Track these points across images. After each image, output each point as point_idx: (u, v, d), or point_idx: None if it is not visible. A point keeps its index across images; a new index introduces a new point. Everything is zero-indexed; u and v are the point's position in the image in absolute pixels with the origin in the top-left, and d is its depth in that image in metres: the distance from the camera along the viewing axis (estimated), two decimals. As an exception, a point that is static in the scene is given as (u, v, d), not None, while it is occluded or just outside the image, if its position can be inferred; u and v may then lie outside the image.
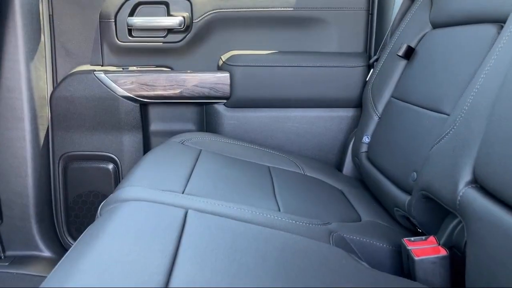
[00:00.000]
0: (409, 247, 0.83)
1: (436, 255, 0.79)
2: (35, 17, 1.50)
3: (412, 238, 0.86)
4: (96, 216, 0.84)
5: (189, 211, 0.80)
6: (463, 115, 0.82)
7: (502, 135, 0.68)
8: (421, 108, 1.09)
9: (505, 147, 0.66)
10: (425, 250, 0.81)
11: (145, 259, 0.61)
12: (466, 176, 0.75)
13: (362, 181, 1.39)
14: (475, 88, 0.82)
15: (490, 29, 0.93)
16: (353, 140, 1.47)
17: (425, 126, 1.03)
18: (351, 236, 0.91)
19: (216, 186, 1.02)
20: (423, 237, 0.86)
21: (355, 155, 1.41)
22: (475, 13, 1.02)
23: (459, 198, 0.74)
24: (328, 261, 0.75)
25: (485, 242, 0.67)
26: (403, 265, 0.87)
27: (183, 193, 0.92)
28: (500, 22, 0.91)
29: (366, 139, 1.35)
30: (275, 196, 1.06)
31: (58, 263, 0.62)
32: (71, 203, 1.62)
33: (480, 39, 0.94)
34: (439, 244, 0.83)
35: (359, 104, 1.54)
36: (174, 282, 0.57)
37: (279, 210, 0.97)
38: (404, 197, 1.01)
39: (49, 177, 1.61)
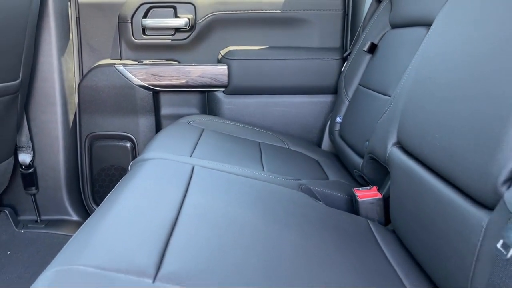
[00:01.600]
0: (356, 193, 1.12)
1: (373, 198, 1.09)
2: (65, 20, 1.79)
3: (360, 188, 1.16)
4: (127, 170, 1.13)
5: (195, 166, 1.10)
6: (395, 96, 1.12)
7: (412, 110, 0.97)
8: (375, 92, 1.38)
9: (414, 119, 0.96)
10: (366, 194, 1.11)
11: (163, 195, 0.91)
12: (392, 139, 1.04)
13: (336, 155, 1.68)
14: (404, 76, 1.11)
15: (422, 31, 1.21)
16: (329, 121, 1.76)
17: (377, 106, 1.32)
18: (317, 188, 1.20)
19: (216, 153, 1.32)
20: (369, 187, 1.16)
21: (331, 133, 1.70)
22: (415, 18, 1.31)
23: (387, 155, 1.04)
24: (294, 200, 1.05)
25: (401, 184, 0.97)
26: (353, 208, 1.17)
27: (190, 156, 1.22)
28: (428, 25, 1.19)
29: (338, 120, 1.64)
30: (261, 162, 1.36)
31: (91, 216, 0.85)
32: (95, 175, 1.92)
33: (415, 39, 1.22)
34: (378, 191, 1.13)
35: (335, 91, 1.83)
36: (184, 212, 0.85)
37: (263, 170, 1.27)
38: (360, 161, 1.31)
39: (77, 153, 1.90)
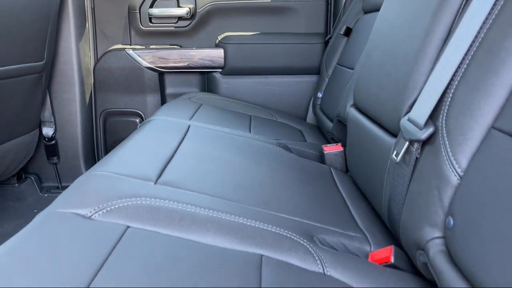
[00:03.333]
0: (323, 148, 1.37)
1: (336, 150, 1.33)
2: (81, 10, 2.04)
3: (328, 145, 1.40)
4: (138, 127, 1.39)
5: (191, 125, 1.35)
6: (356, 68, 1.35)
7: (362, 76, 1.21)
8: (347, 68, 1.61)
9: (362, 82, 1.19)
10: (331, 148, 1.35)
11: (163, 140, 1.15)
12: (350, 101, 1.28)
13: (318, 127, 1.92)
14: (364, 52, 1.35)
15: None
16: (312, 97, 2.00)
17: (346, 79, 1.56)
18: (293, 146, 1.44)
19: (210, 120, 1.56)
20: (335, 144, 1.40)
21: (314, 107, 1.94)
22: (380, 4, 1.53)
23: (346, 113, 1.28)
24: (271, 151, 1.29)
25: (352, 134, 1.20)
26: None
27: (189, 120, 1.47)
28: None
29: (319, 95, 1.88)
30: (250, 128, 1.60)
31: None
32: (109, 147, 2.17)
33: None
34: (342, 146, 1.36)
35: (319, 71, 2.06)
36: (179, 150, 1.10)
37: (250, 133, 1.51)
38: (331, 125, 1.55)
39: (93, 127, 2.16)
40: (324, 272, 0.71)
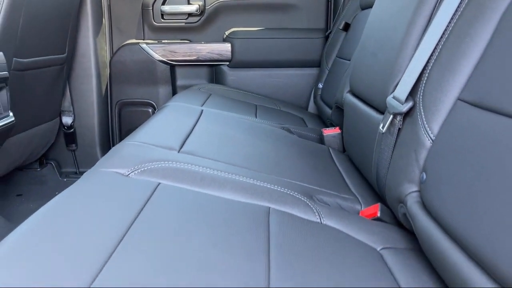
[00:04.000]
0: (323, 131, 1.51)
1: (334, 132, 1.48)
2: (99, 7, 2.20)
3: (327, 128, 1.54)
4: (155, 112, 1.54)
5: (203, 110, 1.50)
6: (353, 59, 1.50)
7: (357, 64, 1.35)
8: (345, 60, 1.76)
9: (357, 70, 1.34)
10: (330, 130, 1.50)
11: (180, 120, 1.30)
12: (347, 88, 1.43)
13: (319, 116, 2.06)
14: (359, 43, 1.49)
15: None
16: (314, 88, 2.15)
17: (344, 70, 1.70)
18: (295, 130, 1.59)
19: (220, 107, 1.71)
20: (333, 127, 1.54)
21: (315, 97, 2.09)
22: (365, 1, 1.68)
23: (343, 99, 1.43)
24: (275, 132, 1.44)
25: (349, 117, 1.35)
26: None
27: (201, 106, 1.62)
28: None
29: (320, 86, 2.03)
30: (256, 115, 1.75)
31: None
32: (123, 135, 2.33)
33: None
34: (340, 129, 1.51)
35: (319, 64, 2.21)
36: (195, 130, 1.25)
37: (256, 118, 1.66)
38: (330, 112, 1.69)
39: (108, 117, 2.31)
40: (320, 222, 0.86)
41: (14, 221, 1.71)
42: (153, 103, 2.29)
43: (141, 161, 0.90)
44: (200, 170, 0.92)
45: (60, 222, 0.67)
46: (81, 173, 2.26)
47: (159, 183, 0.85)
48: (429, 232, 0.74)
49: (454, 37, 0.85)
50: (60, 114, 2.15)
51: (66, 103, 2.18)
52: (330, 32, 2.14)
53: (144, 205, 0.76)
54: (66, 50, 1.98)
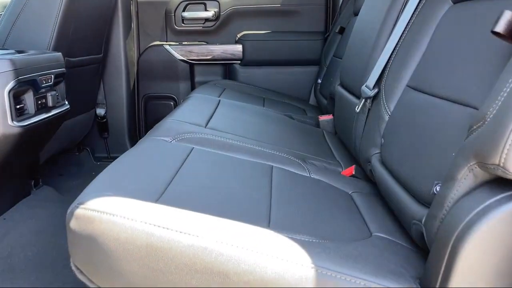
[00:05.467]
0: (319, 117, 1.83)
1: (328, 118, 1.80)
2: (128, 14, 2.54)
3: (323, 115, 1.86)
4: (180, 102, 1.87)
5: (221, 100, 1.83)
6: (343, 57, 1.82)
7: (345, 60, 1.67)
8: (339, 58, 2.08)
9: (345, 65, 1.65)
10: (325, 117, 1.82)
11: (202, 107, 1.63)
12: (338, 81, 1.75)
13: (318, 107, 2.38)
14: (348, 44, 1.81)
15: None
16: (314, 83, 2.47)
17: (338, 67, 2.01)
18: (296, 116, 1.91)
19: (234, 98, 2.04)
20: (328, 115, 1.86)
21: (315, 91, 2.41)
22: (357, 8, 1.99)
23: (335, 90, 1.75)
24: (279, 117, 1.76)
25: (338, 104, 1.67)
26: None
27: (218, 97, 1.95)
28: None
29: (319, 81, 2.35)
30: (263, 105, 2.08)
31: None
32: (149, 125, 2.66)
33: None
34: (332, 116, 1.83)
35: (319, 62, 2.52)
36: (214, 115, 1.58)
37: (263, 107, 1.99)
38: (325, 102, 2.02)
39: (135, 109, 2.65)
40: (309, 175, 1.18)
41: (62, 194, 2.05)
42: (174, 97, 2.62)
43: (179, 132, 1.24)
44: (221, 139, 1.25)
45: (132, 165, 1.00)
46: (112, 158, 2.58)
47: (193, 147, 1.18)
48: (384, 178, 1.06)
49: (407, 42, 1.17)
50: (95, 106, 2.50)
51: (100, 97, 2.51)
52: (328, 35, 2.46)
53: (185, 160, 1.09)
54: (102, 51, 2.32)
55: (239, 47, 2.56)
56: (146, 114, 2.66)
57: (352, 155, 1.42)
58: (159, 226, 0.68)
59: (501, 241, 0.63)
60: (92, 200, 0.73)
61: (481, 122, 0.67)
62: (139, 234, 0.68)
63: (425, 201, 0.82)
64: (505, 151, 0.61)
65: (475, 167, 0.67)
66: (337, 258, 0.70)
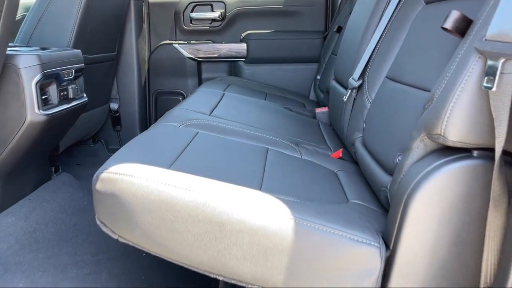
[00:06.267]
0: (315, 109, 1.99)
1: (324, 110, 1.95)
2: (140, 14, 2.71)
3: (319, 108, 2.02)
4: (189, 94, 2.04)
5: (225, 93, 1.99)
6: (338, 54, 1.97)
7: (338, 57, 1.82)
8: (335, 55, 2.23)
9: (338, 60, 1.81)
10: (321, 109, 1.97)
11: (207, 99, 1.79)
12: (332, 77, 1.90)
13: (317, 102, 2.54)
14: (341, 42, 1.96)
15: (357, 17, 2.05)
16: (314, 79, 2.62)
17: (334, 64, 2.17)
18: (294, 109, 2.07)
19: (238, 92, 2.20)
20: (324, 107, 2.02)
21: (314, 87, 2.56)
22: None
23: (330, 86, 1.90)
24: (277, 109, 1.92)
25: (332, 97, 1.82)
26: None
27: (223, 91, 2.11)
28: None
29: (318, 77, 2.50)
30: (265, 99, 2.23)
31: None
32: (159, 118, 2.83)
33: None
34: (328, 108, 1.98)
35: (319, 60, 2.68)
36: (218, 106, 1.74)
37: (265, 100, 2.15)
38: (322, 96, 2.17)
39: (146, 103, 2.83)
40: (301, 157, 1.34)
41: (81, 180, 2.23)
42: (183, 92, 2.80)
43: (186, 119, 1.40)
44: (224, 125, 1.41)
45: (146, 143, 1.16)
46: (124, 150, 2.78)
47: (198, 132, 1.34)
48: (363, 157, 1.21)
49: (387, 39, 1.32)
50: (109, 101, 2.67)
51: (114, 92, 2.69)
52: (327, 34, 2.61)
53: (191, 141, 1.25)
54: (116, 49, 2.50)
55: (243, 46, 2.72)
56: (156, 108, 2.83)
57: (342, 141, 1.58)
58: (168, 185, 0.84)
59: (442, 196, 0.78)
60: (115, 166, 0.90)
61: (430, 102, 0.83)
62: (153, 191, 0.84)
63: (391, 171, 0.98)
64: (445, 122, 0.76)
65: (425, 138, 0.82)
66: (314, 213, 0.86)
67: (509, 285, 0.72)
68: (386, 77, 1.26)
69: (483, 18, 0.78)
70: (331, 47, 2.48)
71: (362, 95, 1.35)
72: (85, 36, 2.03)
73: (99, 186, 0.89)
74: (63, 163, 2.35)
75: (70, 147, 2.47)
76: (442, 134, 0.77)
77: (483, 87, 0.70)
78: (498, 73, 0.68)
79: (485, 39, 0.72)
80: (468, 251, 0.79)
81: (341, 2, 2.57)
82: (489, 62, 0.70)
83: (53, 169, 2.10)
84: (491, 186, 0.73)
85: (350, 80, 1.43)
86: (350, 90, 1.41)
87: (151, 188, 0.84)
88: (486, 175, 0.76)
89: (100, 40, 2.23)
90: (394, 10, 1.34)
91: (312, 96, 2.65)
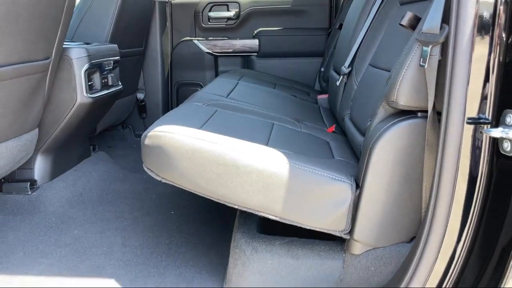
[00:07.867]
0: (317, 96, 2.29)
1: (324, 96, 2.26)
2: (164, 14, 3.04)
3: (321, 95, 2.32)
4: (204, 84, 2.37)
5: (239, 82, 2.31)
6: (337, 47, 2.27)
7: (337, 48, 2.13)
8: (335, 49, 2.53)
9: (336, 52, 2.11)
10: (322, 96, 2.27)
11: (224, 86, 2.11)
12: (332, 67, 2.20)
13: (321, 91, 2.84)
14: (339, 36, 2.26)
15: (354, 15, 2.35)
16: (318, 72, 2.93)
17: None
18: (299, 96, 2.37)
19: (250, 82, 2.52)
20: (325, 94, 2.32)
21: (319, 78, 2.86)
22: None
23: (329, 76, 2.20)
24: (284, 96, 2.23)
25: (331, 84, 2.12)
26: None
27: (237, 81, 2.43)
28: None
29: (322, 69, 2.80)
30: (274, 88, 2.54)
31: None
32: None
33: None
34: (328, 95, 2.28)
35: (323, 54, 2.98)
36: (233, 92, 2.06)
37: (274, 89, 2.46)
38: (324, 85, 2.47)
39: (169, 94, 3.16)
40: (300, 130, 1.65)
41: (113, 158, 2.57)
42: (201, 83, 3.12)
43: (207, 100, 1.72)
44: (238, 105, 1.73)
45: (178, 114, 1.49)
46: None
47: (217, 110, 1.66)
48: (349, 128, 1.52)
49: (371, 33, 1.62)
50: (136, 91, 3.01)
51: (140, 83, 3.03)
52: (331, 31, 2.91)
53: (211, 116, 1.57)
54: (143, 45, 2.83)
55: (255, 42, 3.04)
56: (178, 98, 3.16)
57: (336, 120, 1.89)
58: (199, 139, 1.16)
59: (395, 145, 1.09)
60: (159, 126, 1.22)
61: (389, 78, 1.13)
62: (188, 143, 1.16)
63: (365, 133, 1.28)
64: (396, 92, 1.07)
65: (385, 105, 1.13)
66: (304, 160, 1.17)
67: (436, 209, 1.03)
68: (369, 64, 1.56)
69: (424, 17, 1.08)
70: (333, 42, 2.77)
71: (351, 80, 1.65)
72: (119, 33, 2.36)
73: (147, 141, 1.22)
74: (98, 144, 2.69)
75: (103, 131, 2.81)
76: (395, 100, 1.07)
77: (420, 65, 1.01)
78: (428, 55, 0.98)
79: (422, 32, 1.02)
80: (414, 185, 1.10)
81: (343, 2, 2.87)
82: (424, 48, 1.00)
83: (92, 148, 2.45)
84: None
85: (342, 68, 1.73)
86: (342, 76, 1.72)
87: (186, 141, 1.17)
88: (425, 129, 1.07)
89: (130, 37, 2.57)
90: (377, 11, 1.64)
91: (317, 86, 2.96)
